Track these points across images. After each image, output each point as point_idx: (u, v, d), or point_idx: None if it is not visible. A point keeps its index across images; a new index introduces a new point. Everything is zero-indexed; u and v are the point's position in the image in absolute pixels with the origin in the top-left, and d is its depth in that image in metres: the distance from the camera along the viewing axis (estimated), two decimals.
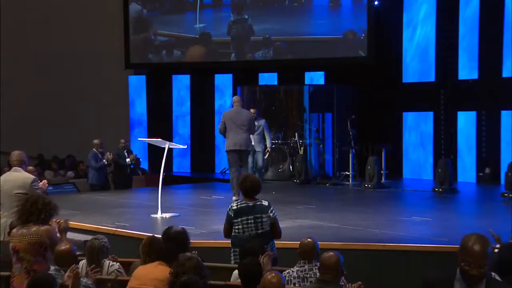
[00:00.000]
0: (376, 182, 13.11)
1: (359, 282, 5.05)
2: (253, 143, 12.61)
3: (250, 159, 12.35)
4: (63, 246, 5.52)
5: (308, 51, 15.87)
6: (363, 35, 15.16)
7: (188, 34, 17.33)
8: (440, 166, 12.60)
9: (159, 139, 10.74)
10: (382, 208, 10.95)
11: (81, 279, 5.20)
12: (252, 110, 13.11)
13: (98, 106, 18.30)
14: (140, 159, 16.31)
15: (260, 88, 16.26)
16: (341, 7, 15.57)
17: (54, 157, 18.22)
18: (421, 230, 8.83)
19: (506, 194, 11.46)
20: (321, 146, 15.20)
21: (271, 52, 16.34)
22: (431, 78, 14.83)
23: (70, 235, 6.20)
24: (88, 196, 13.18)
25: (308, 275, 5.49)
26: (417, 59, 15.12)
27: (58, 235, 5.89)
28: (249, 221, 6.46)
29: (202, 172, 17.24)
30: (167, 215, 10.02)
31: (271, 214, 6.53)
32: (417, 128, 15.19)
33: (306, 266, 5.54)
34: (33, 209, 5.78)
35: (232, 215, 6.53)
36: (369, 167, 13.22)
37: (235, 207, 6.55)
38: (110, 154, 14.20)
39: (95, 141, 14.11)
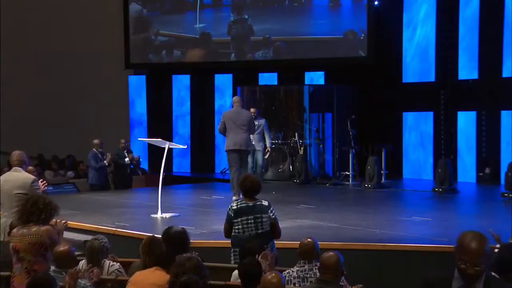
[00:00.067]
0: (376, 182, 13.11)
1: (360, 285, 5.06)
2: (253, 143, 12.63)
3: (250, 159, 12.37)
4: (61, 247, 5.52)
5: (308, 51, 15.87)
6: (363, 35, 15.16)
7: (188, 34, 17.33)
8: (440, 166, 12.60)
9: (159, 139, 10.75)
10: (382, 208, 10.95)
11: (79, 280, 5.18)
12: (252, 110, 13.13)
13: (98, 106, 18.30)
14: (140, 159, 16.30)
15: (260, 88, 16.26)
16: (341, 7, 15.57)
17: (54, 157, 18.21)
18: (421, 230, 8.83)
19: (506, 194, 11.46)
20: (321, 146, 15.20)
21: (271, 52, 16.33)
22: (431, 78, 14.83)
23: (70, 235, 6.20)
24: (88, 196, 13.18)
25: (308, 275, 5.49)
26: (417, 59, 15.12)
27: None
28: (249, 221, 6.47)
29: (202, 172, 17.24)
30: (167, 215, 10.02)
31: (271, 214, 6.53)
32: (417, 128, 15.19)
33: (306, 266, 5.54)
34: (34, 209, 5.78)
35: (232, 215, 6.53)
36: (369, 167, 13.22)
37: (235, 207, 6.55)
38: (110, 155, 14.20)
39: (95, 141, 14.12)
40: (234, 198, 10.42)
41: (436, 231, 8.85)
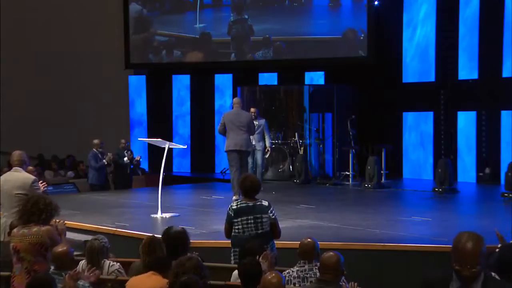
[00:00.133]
0: (376, 182, 13.11)
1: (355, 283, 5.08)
2: (253, 143, 12.64)
3: (250, 159, 12.38)
4: (60, 248, 5.51)
5: (308, 51, 15.87)
6: (363, 35, 15.16)
7: (188, 34, 17.33)
8: (440, 166, 12.60)
9: (159, 139, 10.75)
10: (382, 208, 10.95)
11: (78, 282, 5.17)
12: (252, 110, 13.14)
13: (98, 106, 18.30)
14: (141, 160, 16.28)
15: (260, 88, 16.26)
16: (341, 7, 15.57)
17: (54, 157, 18.21)
18: (421, 230, 8.83)
19: (506, 194, 11.45)
20: (321, 146, 15.20)
21: (271, 52, 16.34)
22: (431, 78, 14.83)
23: (70, 235, 6.20)
24: (88, 196, 13.19)
25: (308, 275, 5.49)
26: (417, 59, 15.11)
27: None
28: (249, 221, 6.47)
29: (202, 172, 17.24)
30: (167, 215, 10.02)
31: (271, 214, 6.53)
32: (417, 128, 15.19)
33: (306, 266, 5.54)
34: (34, 209, 5.79)
35: (232, 215, 6.53)
36: (369, 167, 13.22)
37: (235, 207, 6.56)
38: (111, 155, 14.19)
39: (95, 141, 14.12)
40: (234, 197, 10.43)
41: (436, 231, 8.85)
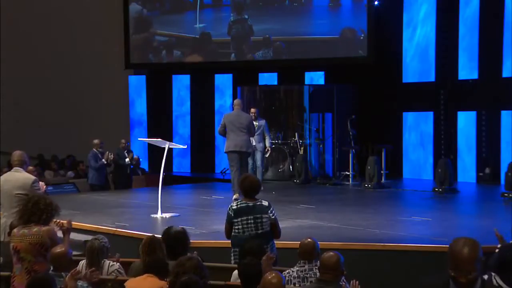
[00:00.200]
0: (376, 182, 13.11)
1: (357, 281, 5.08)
2: (254, 143, 12.65)
3: (250, 161, 12.40)
4: (58, 249, 5.48)
5: (308, 51, 15.86)
6: (363, 35, 15.16)
7: (188, 34, 17.33)
8: (440, 166, 12.61)
9: (159, 139, 10.75)
10: (382, 208, 10.95)
11: (77, 282, 5.17)
12: (252, 110, 13.15)
13: (98, 106, 18.30)
14: (140, 159, 16.30)
15: (260, 88, 16.26)
16: (341, 7, 15.57)
17: (54, 157, 18.21)
18: (421, 230, 8.83)
19: (506, 194, 11.46)
20: (321, 146, 15.20)
21: (271, 52, 16.33)
22: (431, 78, 14.83)
23: (70, 235, 6.18)
24: (88, 196, 13.19)
25: (308, 275, 5.49)
26: (417, 59, 15.11)
27: (61, 235, 5.89)
28: (249, 221, 6.47)
29: (202, 172, 17.24)
30: (167, 215, 10.02)
31: (271, 215, 6.53)
32: (417, 128, 15.19)
33: (306, 266, 5.54)
34: (35, 209, 5.79)
35: (232, 215, 6.53)
36: (369, 167, 13.22)
37: (235, 207, 6.56)
38: (110, 154, 14.19)
39: (95, 141, 14.12)
40: (234, 197, 10.44)
41: (436, 231, 8.85)
